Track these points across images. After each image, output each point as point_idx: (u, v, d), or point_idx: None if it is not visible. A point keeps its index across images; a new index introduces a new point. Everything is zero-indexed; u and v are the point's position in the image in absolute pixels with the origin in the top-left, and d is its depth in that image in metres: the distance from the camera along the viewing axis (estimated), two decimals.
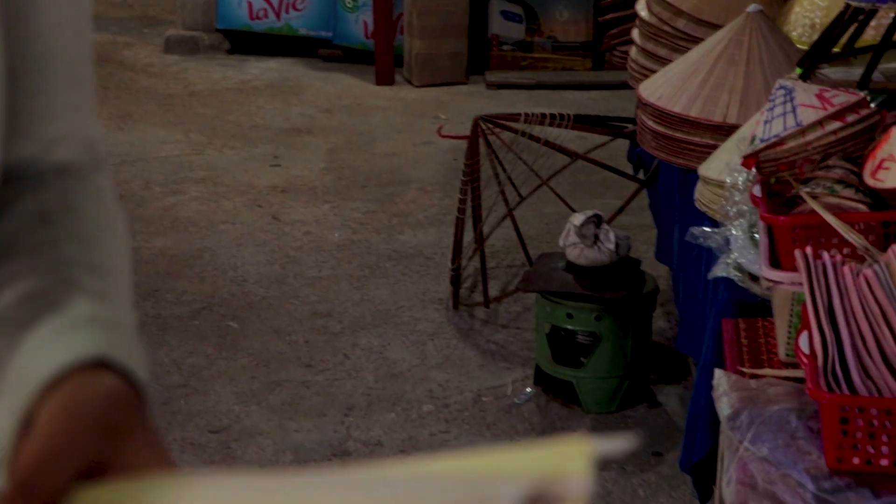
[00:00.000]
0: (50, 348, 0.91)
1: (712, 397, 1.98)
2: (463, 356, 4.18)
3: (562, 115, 4.44)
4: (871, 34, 3.03)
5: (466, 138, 4.48)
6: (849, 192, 2.14)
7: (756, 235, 2.19)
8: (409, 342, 4.27)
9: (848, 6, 2.83)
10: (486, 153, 4.49)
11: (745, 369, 1.95)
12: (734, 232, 2.28)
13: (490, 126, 4.48)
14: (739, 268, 2.23)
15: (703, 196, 2.75)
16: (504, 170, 4.55)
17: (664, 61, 3.57)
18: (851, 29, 2.96)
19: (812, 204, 2.07)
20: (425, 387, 3.99)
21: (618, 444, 0.74)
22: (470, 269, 4.63)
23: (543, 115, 4.45)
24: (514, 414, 3.84)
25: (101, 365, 0.90)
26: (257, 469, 3.53)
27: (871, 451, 1.62)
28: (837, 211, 2.03)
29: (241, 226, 5.25)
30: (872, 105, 2.45)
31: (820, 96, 2.47)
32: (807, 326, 1.75)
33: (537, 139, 4.53)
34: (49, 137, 1.07)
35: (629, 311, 3.79)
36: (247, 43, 7.59)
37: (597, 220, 3.85)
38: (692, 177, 2.91)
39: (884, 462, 1.62)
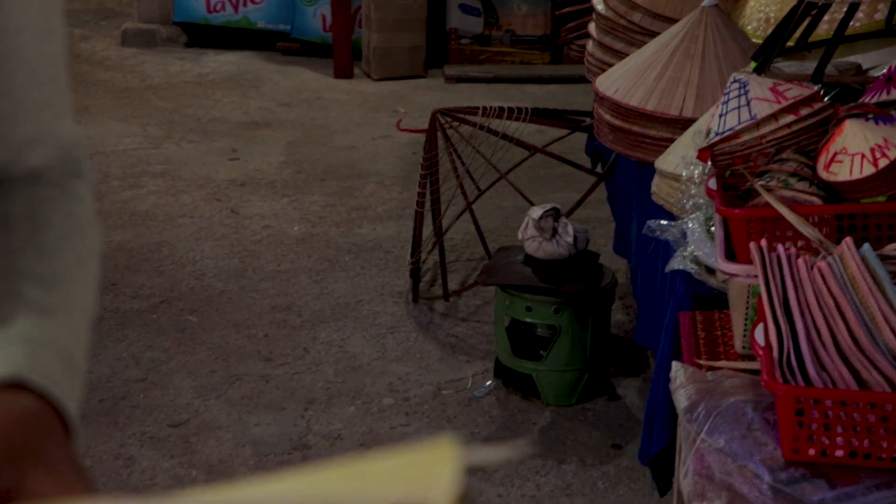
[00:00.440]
0: None
1: (669, 391, 1.99)
2: (423, 350, 4.19)
3: (520, 109, 4.45)
4: (826, 28, 3.04)
5: (425, 132, 4.48)
6: (803, 185, 2.14)
7: (712, 228, 2.20)
8: (368, 336, 4.28)
9: (801, 1, 2.85)
10: (444, 147, 4.50)
11: (701, 361, 1.96)
12: (690, 225, 2.29)
13: (448, 119, 4.49)
14: (696, 260, 2.24)
15: (659, 189, 2.76)
16: (462, 163, 4.56)
17: (621, 55, 3.59)
18: (805, 23, 2.97)
19: (766, 197, 2.08)
20: (385, 380, 3.99)
21: (495, 453, 0.76)
22: (429, 262, 4.64)
23: (502, 109, 4.46)
24: (474, 407, 3.85)
25: (17, 386, 0.90)
26: (205, 468, 3.54)
27: (827, 442, 1.63)
28: (792, 204, 2.03)
29: (200, 219, 5.25)
30: (826, 99, 2.46)
31: (774, 90, 2.48)
32: (762, 319, 1.76)
33: (496, 133, 4.54)
34: (18, 141, 1.06)
35: (588, 304, 3.80)
36: (204, 36, 7.61)
37: (555, 214, 3.86)
38: (649, 170, 2.92)
39: (839, 453, 1.63)
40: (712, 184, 2.22)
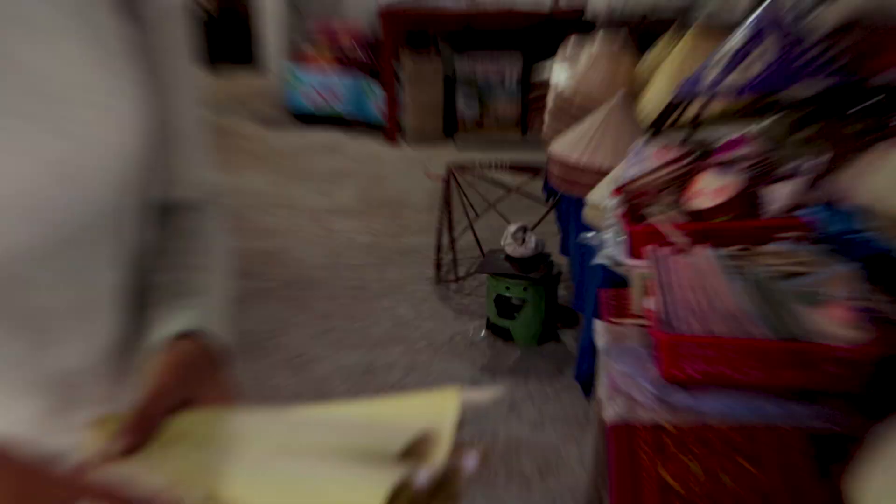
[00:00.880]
0: (164, 323, 0.91)
1: (593, 337, 2.00)
2: (443, 312, 4.19)
3: (502, 163, 4.46)
4: (715, 107, 3.00)
5: (444, 179, 4.51)
6: (675, 213, 2.15)
7: (620, 238, 2.21)
8: (409, 304, 4.29)
9: (674, 98, 2.83)
10: (455, 187, 4.51)
11: (613, 319, 1.95)
12: (607, 236, 2.30)
13: (458, 170, 4.50)
14: (611, 258, 2.25)
15: (588, 214, 2.75)
16: (467, 197, 4.57)
17: (565, 128, 3.55)
18: (681, 109, 2.95)
19: (653, 220, 2.10)
20: (420, 331, 4.00)
21: (479, 395, 0.77)
22: (446, 259, 4.64)
23: (491, 163, 4.47)
24: (475, 348, 3.86)
25: (196, 334, 0.90)
26: (314, 385, 3.55)
27: (686, 367, 1.63)
28: (669, 223, 2.06)
29: (305, 233, 5.26)
30: (691, 157, 2.45)
31: (660, 151, 2.49)
32: (650, 293, 1.77)
33: (487, 178, 4.55)
34: (188, 183, 1.05)
35: (544, 284, 3.81)
36: (307, 119, 7.59)
37: (524, 229, 3.88)
38: (581, 202, 2.90)
39: (694, 374, 1.63)
40: (621, 211, 2.23)
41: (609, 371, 1.70)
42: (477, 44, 6.94)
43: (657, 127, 2.93)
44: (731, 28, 3.05)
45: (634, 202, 2.25)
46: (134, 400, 0.83)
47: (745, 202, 2.13)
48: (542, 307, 3.84)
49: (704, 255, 1.79)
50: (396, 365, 3.72)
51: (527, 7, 6.41)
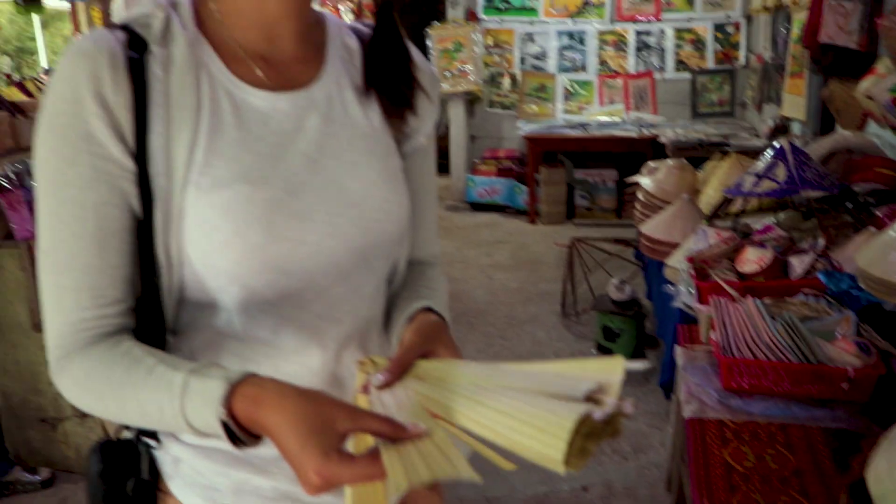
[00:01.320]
0: (411, 305, 0.93)
1: (674, 357, 1.96)
2: (566, 336, 4.16)
3: (606, 237, 4.43)
4: (742, 204, 2.95)
5: (568, 246, 4.48)
6: (730, 274, 2.12)
7: (691, 290, 2.17)
8: (544, 330, 4.27)
9: (724, 196, 2.79)
10: (575, 252, 4.50)
11: (688, 346, 1.93)
12: (682, 288, 2.27)
13: (577, 241, 4.50)
14: (685, 303, 2.22)
15: (668, 273, 2.71)
16: (583, 259, 4.55)
17: (651, 215, 3.53)
18: (730, 203, 2.90)
19: (715, 278, 2.07)
20: (552, 349, 3.97)
21: (637, 364, 0.76)
22: (570, 300, 4.63)
23: (599, 237, 4.44)
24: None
25: (431, 310, 0.92)
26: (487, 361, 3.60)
27: (739, 381, 1.58)
28: (725, 281, 2.02)
29: (473, 280, 5.30)
30: (738, 237, 2.42)
31: (717, 232, 2.46)
32: (713, 328, 1.73)
33: (597, 247, 4.52)
34: (426, 250, 1.06)
35: (636, 319, 3.75)
36: (478, 207, 7.70)
37: (622, 281, 3.84)
38: (662, 265, 2.87)
39: (745, 386, 1.58)
40: (691, 271, 2.20)
41: (686, 381, 1.67)
42: (588, 159, 6.99)
43: (713, 216, 2.90)
44: (756, 153, 3.02)
45: (700, 266, 2.22)
46: (392, 349, 0.85)
47: (776, 268, 2.09)
48: (634, 334, 3.76)
49: (750, 303, 1.75)
50: (539, 354, 3.67)
51: (621, 135, 6.46)
